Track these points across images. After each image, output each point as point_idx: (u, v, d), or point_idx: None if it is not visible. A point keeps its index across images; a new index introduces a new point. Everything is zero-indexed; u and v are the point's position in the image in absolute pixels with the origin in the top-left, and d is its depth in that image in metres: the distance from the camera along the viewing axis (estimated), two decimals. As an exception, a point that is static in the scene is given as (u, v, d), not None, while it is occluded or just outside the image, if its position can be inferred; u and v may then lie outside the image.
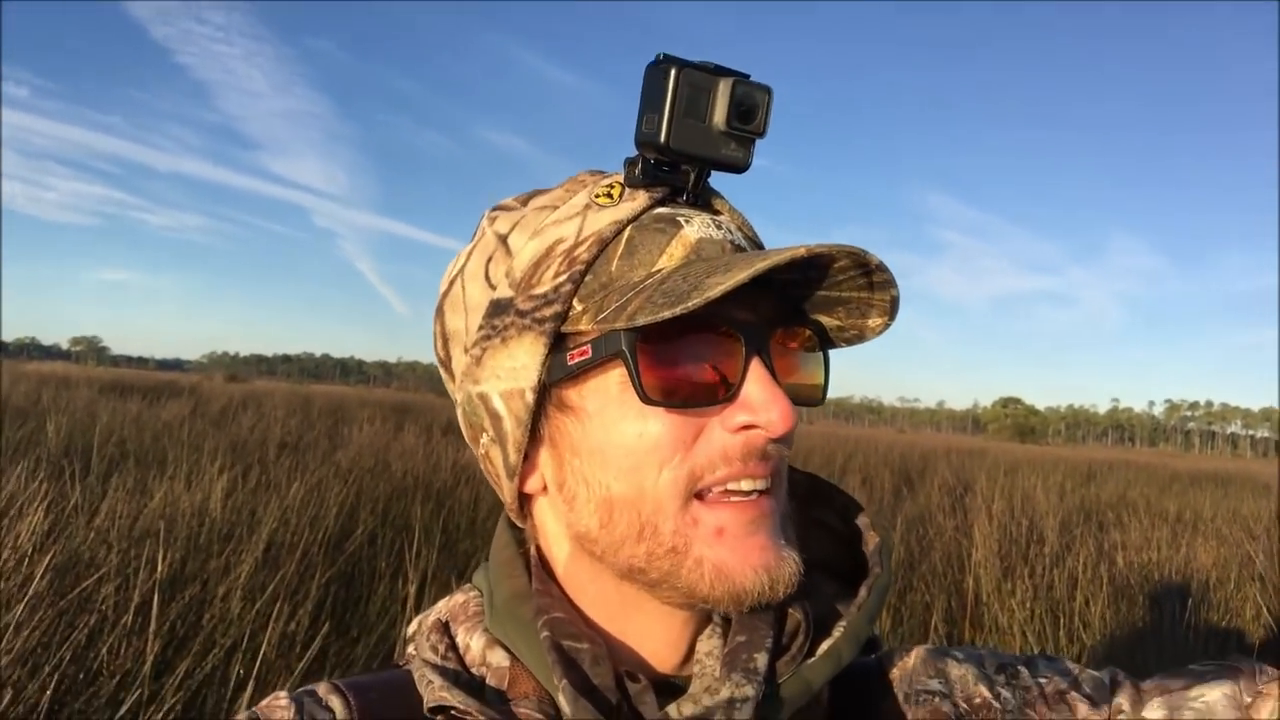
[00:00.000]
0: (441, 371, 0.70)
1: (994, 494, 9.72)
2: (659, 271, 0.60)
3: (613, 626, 0.65)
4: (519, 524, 0.70)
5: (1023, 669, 0.71)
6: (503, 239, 0.66)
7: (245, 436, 10.41)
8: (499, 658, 0.64)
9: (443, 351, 0.69)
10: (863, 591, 0.66)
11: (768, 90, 0.64)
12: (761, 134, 0.64)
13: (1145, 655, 5.16)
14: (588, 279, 0.61)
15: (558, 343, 0.61)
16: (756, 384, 0.58)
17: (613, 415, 0.60)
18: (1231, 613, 6.22)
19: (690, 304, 0.53)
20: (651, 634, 0.65)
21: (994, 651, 0.73)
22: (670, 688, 0.63)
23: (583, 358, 0.60)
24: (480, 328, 0.64)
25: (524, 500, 0.68)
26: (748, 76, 0.64)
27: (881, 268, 0.59)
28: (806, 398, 0.65)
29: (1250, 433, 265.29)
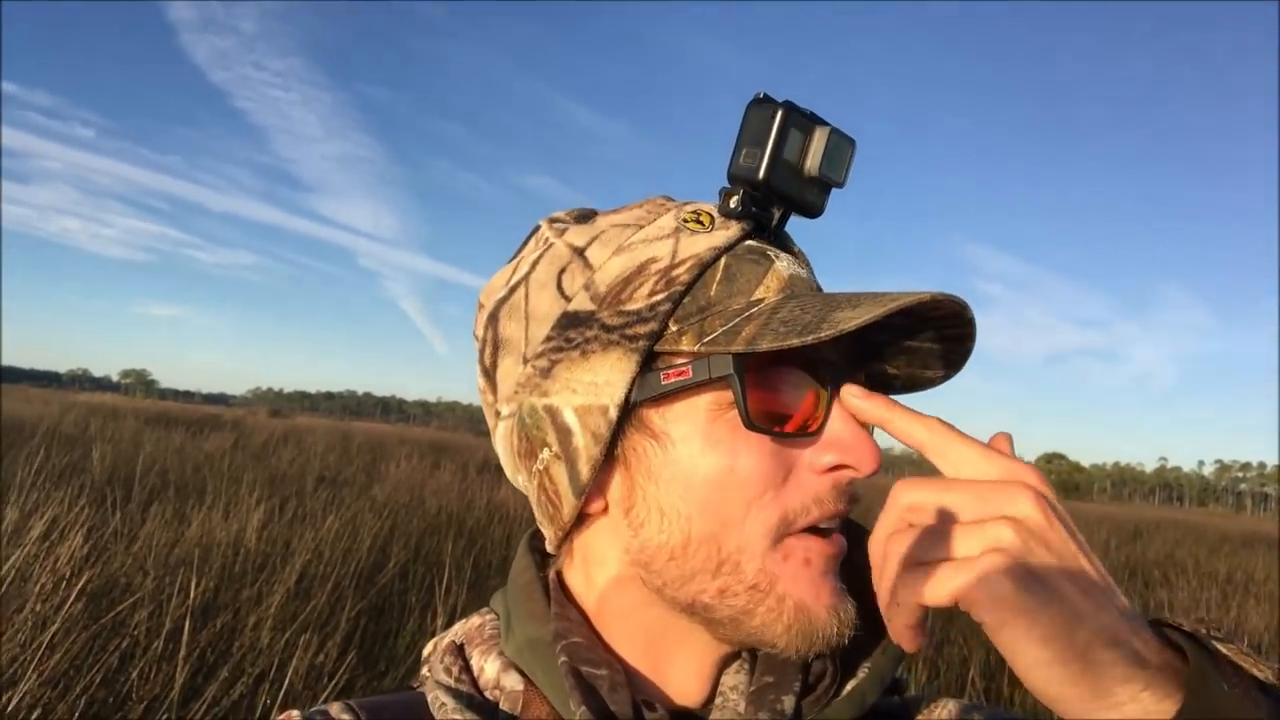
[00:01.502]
0: (481, 380, 0.67)
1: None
2: (759, 301, 0.59)
3: (638, 657, 0.63)
4: (552, 548, 0.67)
5: None
6: (578, 251, 0.64)
7: (284, 470, 10.55)
8: (513, 681, 0.63)
9: (490, 359, 0.66)
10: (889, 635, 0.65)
11: (853, 143, 0.66)
12: (842, 185, 0.66)
13: None
14: (685, 300, 0.59)
15: (647, 362, 0.59)
16: (843, 423, 0.58)
17: (700, 444, 0.58)
18: (1284, 678, 5.97)
19: (822, 334, 0.52)
20: (682, 667, 0.63)
21: (1024, 716, 0.71)
22: (687, 718, 0.62)
23: (680, 378, 0.58)
24: (549, 339, 0.61)
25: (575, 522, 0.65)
26: (839, 130, 0.66)
27: (973, 323, 0.58)
28: None
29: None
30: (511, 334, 0.64)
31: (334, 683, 3.64)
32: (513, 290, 0.65)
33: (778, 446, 0.58)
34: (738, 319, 0.57)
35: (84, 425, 12.98)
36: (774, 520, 0.57)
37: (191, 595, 3.76)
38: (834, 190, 0.67)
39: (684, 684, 0.63)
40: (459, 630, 0.70)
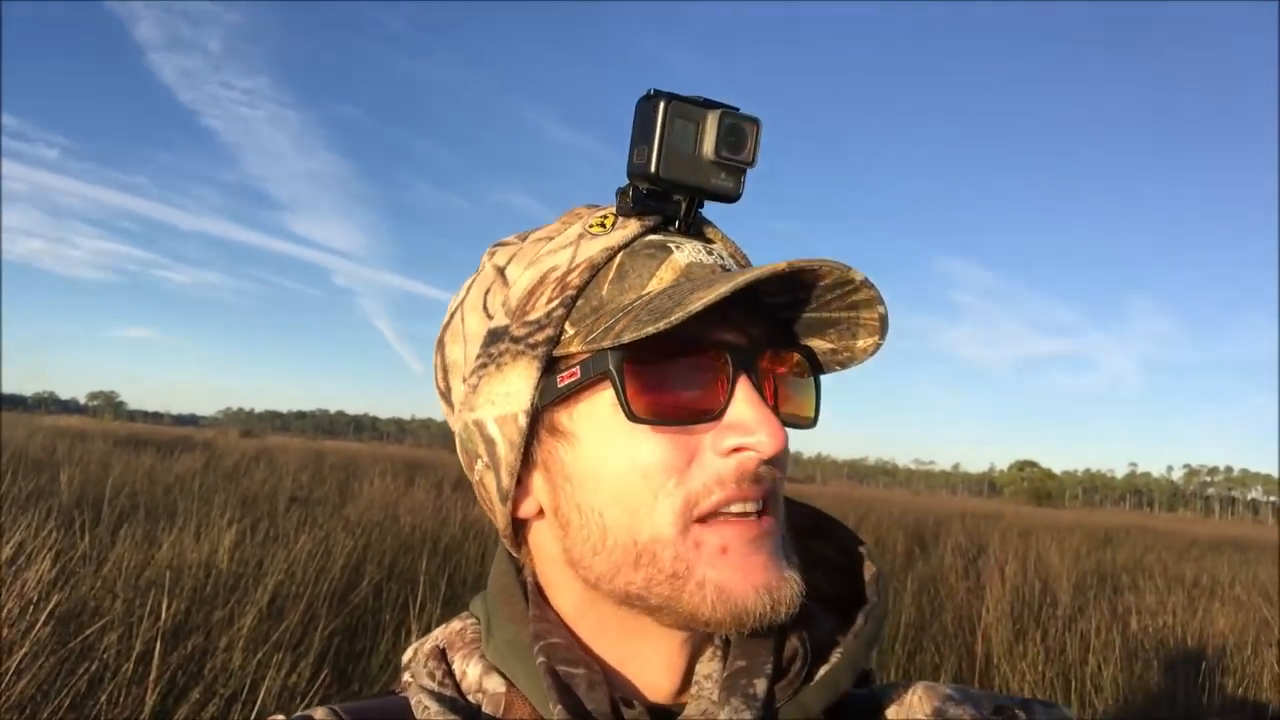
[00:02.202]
0: (442, 404, 0.70)
1: (1008, 556, 9.60)
2: (648, 294, 0.60)
3: (611, 652, 0.64)
4: (513, 551, 0.70)
5: (1019, 712, 0.69)
6: (500, 270, 0.67)
7: (256, 490, 10.45)
8: (495, 684, 0.64)
9: (443, 383, 0.70)
10: (860, 620, 0.66)
11: (756, 121, 0.65)
12: (751, 163, 0.65)
13: (1159, 721, 5.05)
14: (579, 303, 0.61)
15: (550, 367, 0.61)
16: (745, 404, 0.58)
17: (603, 439, 0.60)
18: (1248, 679, 6.08)
19: (673, 318, 0.53)
20: (650, 659, 0.64)
21: (991, 694, 0.71)
22: (666, 715, 0.63)
23: (572, 379, 0.60)
24: (478, 356, 0.65)
25: (519, 526, 0.68)
26: (737, 109, 0.65)
27: (867, 284, 0.59)
28: (797, 422, 0.65)
29: (1271, 499, 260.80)
30: (455, 357, 0.68)
31: (307, 703, 3.62)
32: (452, 316, 0.70)
33: (680, 433, 0.59)
34: (619, 314, 0.59)
35: (51, 448, 12.79)
36: (679, 504, 0.58)
37: (162, 617, 3.73)
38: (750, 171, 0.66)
39: (656, 677, 0.64)
40: (440, 635, 0.70)
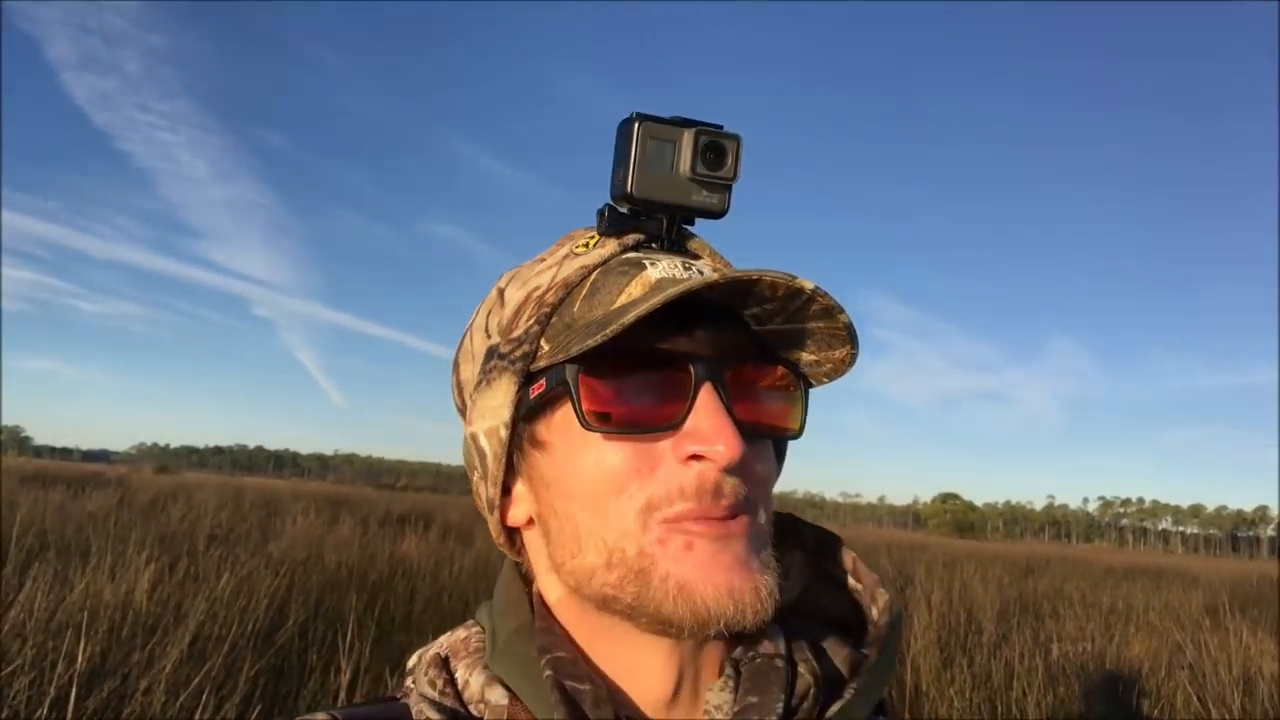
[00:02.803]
0: (461, 420, 0.73)
1: (933, 586, 9.78)
2: (616, 309, 0.61)
3: (606, 663, 0.64)
4: (513, 557, 0.71)
5: None
6: (501, 292, 0.71)
7: (174, 528, 10.12)
8: (498, 695, 0.63)
9: (459, 400, 0.73)
10: (873, 653, 0.66)
11: (736, 138, 0.67)
12: (732, 179, 0.67)
13: (1081, 744, 5.18)
14: (553, 320, 0.64)
15: (528, 381, 0.64)
16: (704, 414, 0.59)
17: (574, 447, 0.61)
18: (1163, 701, 6.29)
19: (608, 331, 0.56)
20: (643, 670, 0.64)
21: None
22: None
23: (539, 391, 0.62)
24: (478, 374, 0.68)
25: (515, 535, 0.70)
26: (720, 127, 0.67)
27: (819, 292, 0.59)
28: (778, 433, 0.66)
29: (1180, 529, 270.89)
30: (466, 375, 0.71)
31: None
32: (463, 337, 0.74)
33: (642, 441, 0.60)
34: (582, 329, 0.61)
35: (-49, 486, 12.20)
36: (640, 504, 0.59)
37: (77, 661, 3.59)
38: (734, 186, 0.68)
39: (652, 688, 0.64)
40: (444, 642, 0.70)
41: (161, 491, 16.21)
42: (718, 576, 0.58)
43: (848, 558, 0.72)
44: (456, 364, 0.74)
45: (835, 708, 0.62)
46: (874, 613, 0.69)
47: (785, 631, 0.68)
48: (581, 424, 0.60)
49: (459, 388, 0.73)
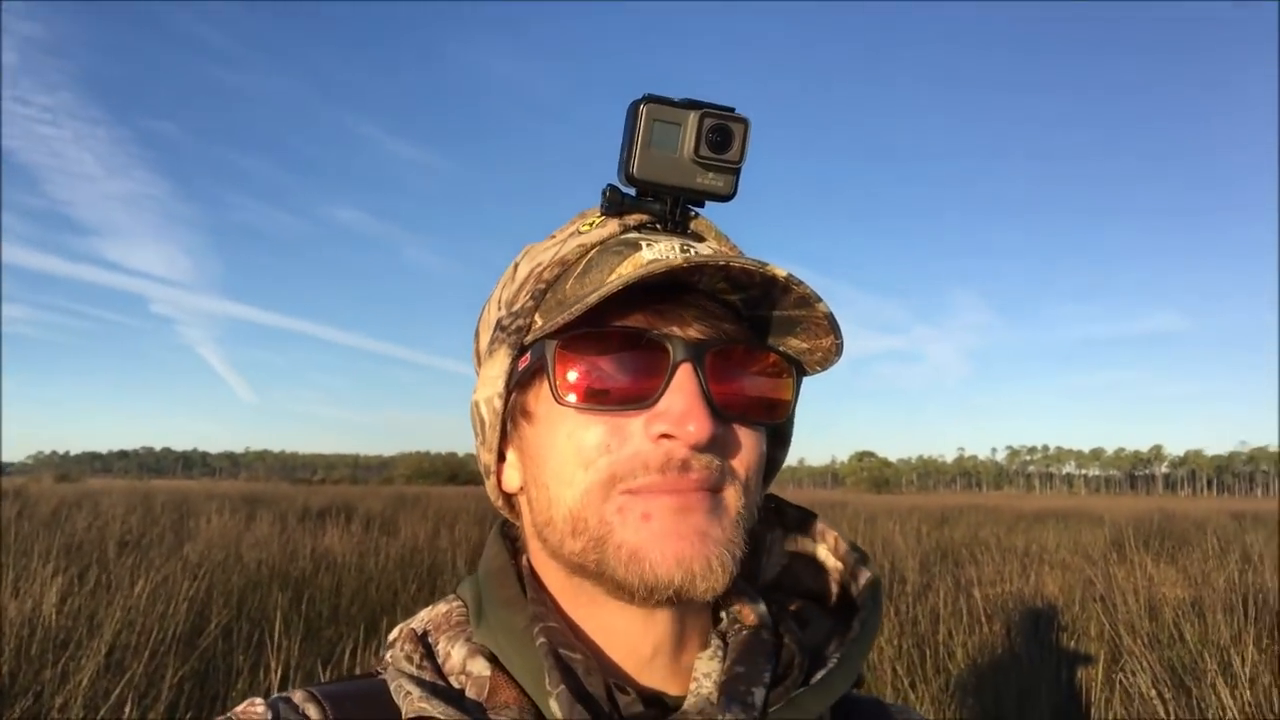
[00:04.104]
0: None
1: (856, 541, 10.02)
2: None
3: (587, 626, 0.66)
4: (511, 519, 0.73)
5: None
6: (515, 267, 0.74)
7: (80, 537, 9.68)
8: (480, 667, 0.64)
9: (477, 367, 0.76)
10: (855, 625, 0.68)
11: (744, 121, 0.67)
12: (738, 162, 0.67)
13: (1006, 679, 5.40)
14: (548, 296, 0.67)
15: (520, 353, 0.66)
16: (676, 394, 0.60)
17: (554, 419, 0.64)
18: (1079, 632, 6.61)
19: (574, 309, 0.58)
20: (618, 632, 0.65)
21: None
22: (659, 703, 0.65)
23: (526, 364, 0.66)
24: (488, 344, 0.70)
25: (512, 500, 0.72)
26: (731, 109, 0.67)
27: (793, 280, 0.60)
28: (759, 416, 0.66)
29: (1083, 472, 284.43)
30: (481, 345, 0.75)
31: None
32: (483, 309, 0.77)
33: (616, 416, 0.62)
34: (568, 306, 0.62)
35: None
36: (604, 475, 0.61)
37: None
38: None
39: (636, 650, 0.65)
40: (425, 616, 0.71)
41: (64, 500, 15.54)
42: (667, 545, 0.59)
43: (829, 536, 0.75)
44: (477, 334, 0.77)
45: (819, 676, 0.64)
46: (854, 589, 0.72)
47: (770, 607, 0.71)
48: (554, 397, 0.62)
49: (477, 357, 0.76)
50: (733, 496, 0.63)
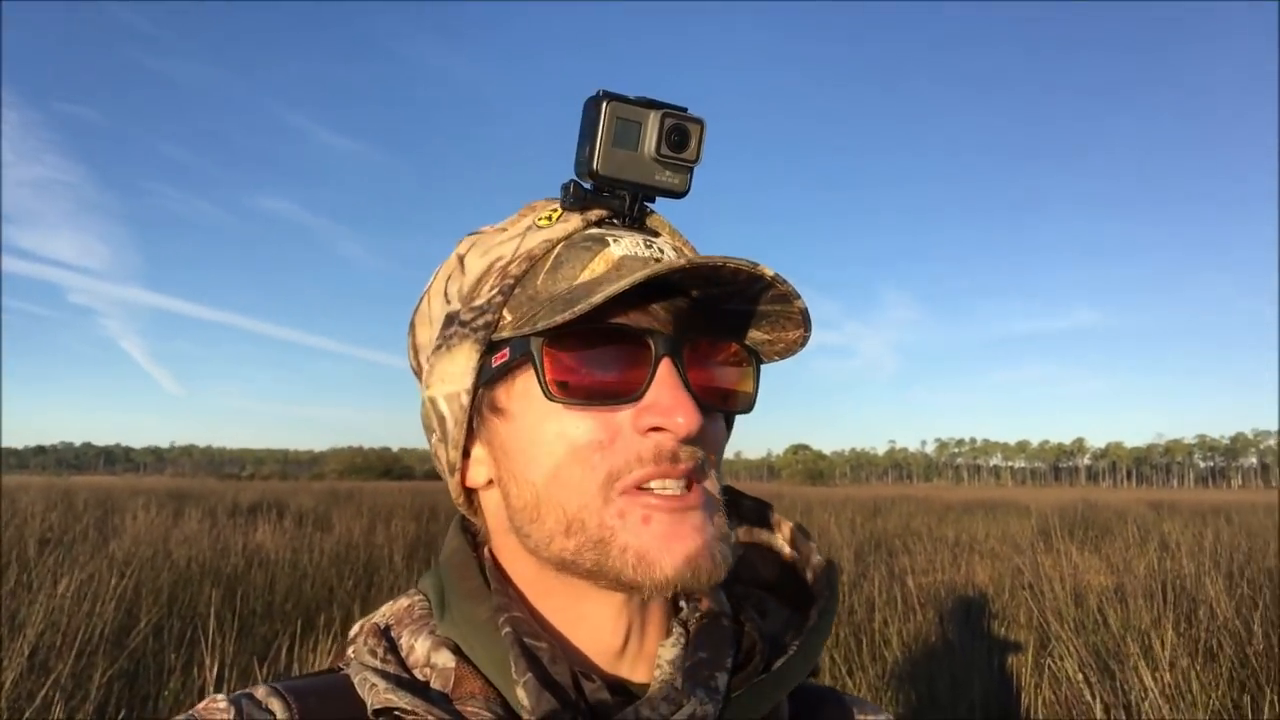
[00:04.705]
0: (417, 382, 0.74)
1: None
2: (580, 284, 0.64)
3: (558, 616, 0.67)
4: (470, 516, 0.73)
5: None
6: (461, 259, 0.72)
7: (-3, 536, 9.32)
8: (445, 659, 0.65)
9: (414, 363, 0.75)
10: (813, 614, 0.69)
11: (700, 122, 0.69)
12: (694, 161, 0.69)
13: (939, 665, 5.54)
14: (516, 292, 0.66)
15: (490, 349, 0.66)
16: (663, 387, 0.61)
17: (535, 416, 0.63)
18: (1008, 619, 6.81)
19: (576, 309, 0.58)
20: (591, 621, 0.66)
21: None
22: (624, 690, 0.65)
23: (502, 360, 0.65)
24: (436, 338, 0.69)
25: (473, 496, 0.71)
26: (684, 110, 0.69)
27: (779, 279, 0.62)
28: (730, 405, 0.68)
29: (1009, 464, 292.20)
30: (423, 339, 0.74)
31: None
32: (421, 300, 0.75)
33: (603, 412, 0.62)
34: (547, 303, 0.63)
35: None
36: (601, 477, 0.61)
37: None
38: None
39: (604, 639, 0.66)
40: (386, 611, 0.71)
41: (-22, 499, 14.93)
42: (675, 546, 0.60)
43: (785, 526, 0.77)
44: (413, 326, 0.75)
45: (779, 664, 0.66)
46: (810, 578, 0.73)
47: (729, 595, 0.72)
48: (545, 394, 0.62)
49: (415, 350, 0.75)
50: (713, 486, 0.65)
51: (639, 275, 0.58)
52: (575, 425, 0.62)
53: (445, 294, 0.72)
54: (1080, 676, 4.34)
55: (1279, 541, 8.50)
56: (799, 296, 0.64)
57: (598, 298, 0.58)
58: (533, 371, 0.63)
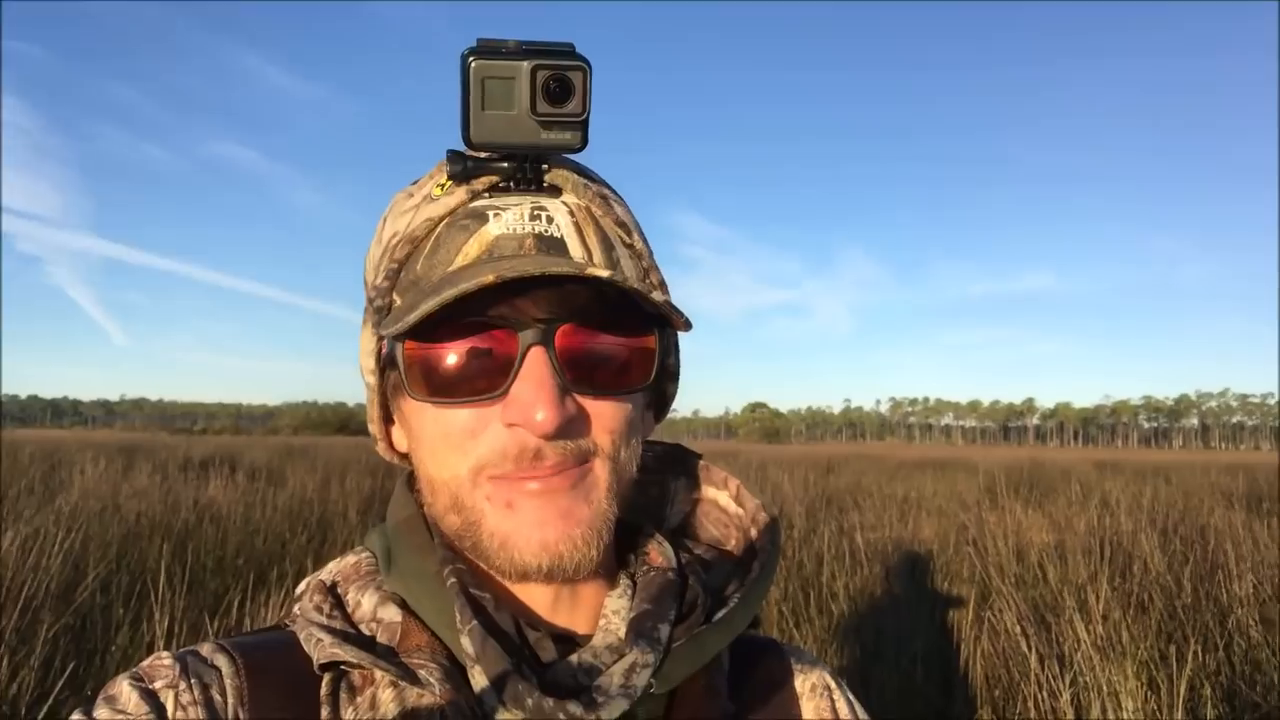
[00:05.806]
0: None
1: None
2: (452, 270, 0.63)
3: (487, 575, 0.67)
4: (409, 468, 0.74)
5: None
6: (383, 222, 0.71)
7: (-62, 491, 9.12)
8: (391, 614, 0.66)
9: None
10: (755, 567, 0.71)
11: (582, 68, 0.60)
12: (581, 114, 0.61)
13: (884, 618, 5.69)
14: (402, 275, 0.66)
15: (381, 339, 0.67)
16: (526, 381, 0.60)
17: (415, 404, 0.64)
18: (952, 574, 6.99)
19: (408, 319, 0.58)
20: (533, 589, 0.67)
21: None
22: (567, 640, 0.66)
23: (385, 350, 0.67)
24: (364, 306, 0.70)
25: (406, 457, 0.73)
26: (570, 47, 0.61)
27: (615, 282, 0.59)
28: (626, 384, 0.65)
29: (960, 423, 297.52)
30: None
31: (39, 711, 3.27)
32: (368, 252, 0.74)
33: (475, 407, 0.62)
34: (410, 297, 0.64)
35: None
36: (470, 465, 0.62)
37: None
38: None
39: (541, 599, 0.67)
40: (332, 569, 0.72)
41: (-82, 453, 14.57)
42: (533, 533, 0.61)
43: (731, 484, 0.78)
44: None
45: (720, 615, 0.67)
46: (753, 533, 0.75)
47: (676, 551, 0.73)
48: (409, 394, 0.63)
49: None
50: (600, 468, 0.64)
51: (466, 286, 0.56)
52: (446, 418, 0.63)
53: (369, 259, 0.72)
54: (1018, 629, 4.47)
55: (1211, 500, 8.79)
56: (647, 296, 0.60)
57: (412, 317, 0.57)
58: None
